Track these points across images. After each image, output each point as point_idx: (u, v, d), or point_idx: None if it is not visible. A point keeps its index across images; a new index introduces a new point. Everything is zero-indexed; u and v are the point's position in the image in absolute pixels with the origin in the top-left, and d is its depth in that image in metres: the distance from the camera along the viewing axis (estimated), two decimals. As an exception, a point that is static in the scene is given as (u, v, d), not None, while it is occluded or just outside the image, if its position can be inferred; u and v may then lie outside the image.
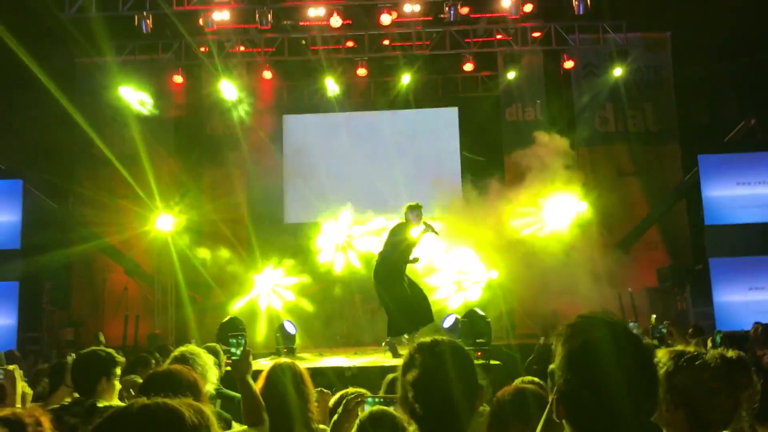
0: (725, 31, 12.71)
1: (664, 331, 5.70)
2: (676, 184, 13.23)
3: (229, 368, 3.90)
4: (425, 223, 8.99)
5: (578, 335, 1.70)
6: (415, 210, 8.99)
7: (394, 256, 8.98)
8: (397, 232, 9.05)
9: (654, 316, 8.56)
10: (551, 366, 2.94)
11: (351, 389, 3.68)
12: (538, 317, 11.73)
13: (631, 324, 6.13)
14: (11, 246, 12.16)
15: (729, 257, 11.78)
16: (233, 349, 3.34)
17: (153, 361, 6.27)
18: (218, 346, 5.35)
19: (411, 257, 9.14)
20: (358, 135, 14.40)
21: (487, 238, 12.65)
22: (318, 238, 12.99)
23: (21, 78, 11.16)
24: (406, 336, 9.17)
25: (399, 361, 2.09)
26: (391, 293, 8.99)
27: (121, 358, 3.90)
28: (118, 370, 3.85)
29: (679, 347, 2.49)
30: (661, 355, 2.35)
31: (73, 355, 4.14)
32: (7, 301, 12.08)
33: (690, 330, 8.35)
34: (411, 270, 9.64)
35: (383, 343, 9.46)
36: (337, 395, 3.74)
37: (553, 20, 13.25)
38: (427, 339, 2.09)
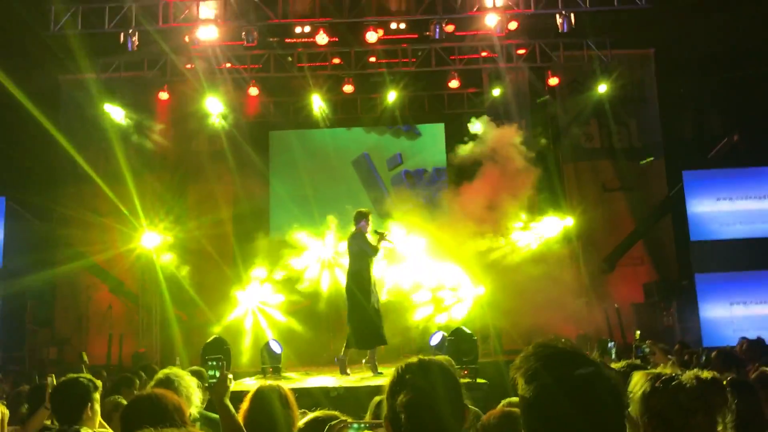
0: (708, 47, 12.85)
1: (647, 350, 5.70)
2: (661, 199, 13.32)
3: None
4: (376, 232, 8.94)
5: (541, 374, 1.65)
6: (366, 216, 8.95)
7: (361, 267, 8.90)
8: (353, 243, 8.97)
9: (638, 332, 8.56)
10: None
11: (320, 413, 3.60)
12: (525, 334, 11.70)
13: (610, 344, 6.13)
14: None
15: (715, 272, 11.83)
16: (210, 372, 3.34)
17: (137, 382, 6.20)
18: (203, 370, 5.30)
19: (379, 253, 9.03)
20: (345, 151, 14.41)
21: (473, 254, 12.65)
22: (303, 255, 12.96)
23: (3, 96, 11.09)
24: (364, 360, 9.07)
25: (386, 382, 2.03)
26: (354, 308, 8.91)
27: (99, 382, 3.85)
28: (98, 395, 3.79)
29: (658, 369, 2.50)
30: (638, 378, 2.39)
31: (53, 376, 4.06)
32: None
33: (676, 347, 8.37)
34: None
35: (363, 361, 9.38)
36: (308, 418, 3.64)
37: (537, 38, 13.33)
38: (415, 359, 2.02)
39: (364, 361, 9.36)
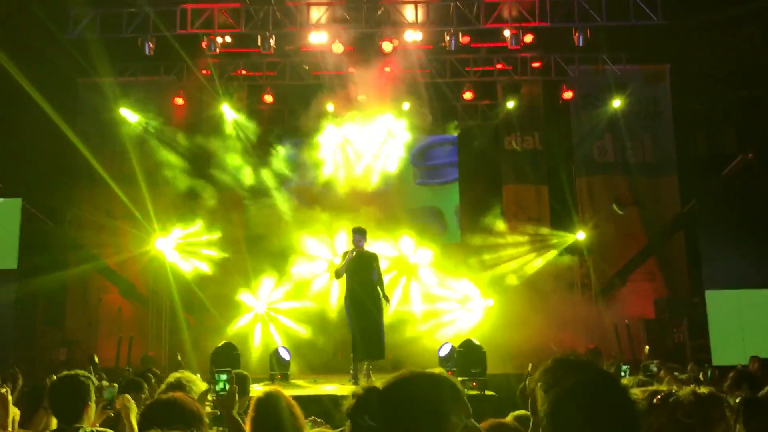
0: (725, 64, 12.83)
1: (654, 369, 5.64)
2: (673, 215, 13.25)
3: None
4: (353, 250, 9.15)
5: (560, 382, 1.69)
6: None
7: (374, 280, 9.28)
8: (371, 257, 9.34)
9: (647, 347, 8.54)
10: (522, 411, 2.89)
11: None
12: (535, 348, 11.65)
13: (624, 367, 6.08)
14: (8, 266, 12.15)
15: (726, 289, 11.74)
16: (219, 386, 3.33)
17: (146, 386, 6.20)
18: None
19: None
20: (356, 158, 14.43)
21: (483, 267, 12.66)
22: (314, 262, 13.02)
23: (21, 98, 11.21)
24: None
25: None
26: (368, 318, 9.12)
27: (96, 380, 3.82)
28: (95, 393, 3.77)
29: (654, 386, 2.48)
30: (636, 394, 2.35)
31: (54, 377, 4.02)
32: (2, 321, 12.03)
33: (690, 365, 8.29)
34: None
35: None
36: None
37: (552, 51, 13.36)
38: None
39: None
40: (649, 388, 2.46)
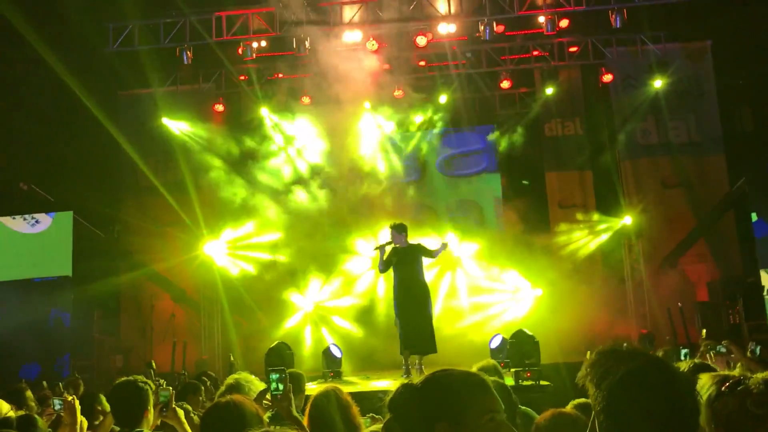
0: (767, 36, 12.47)
1: (723, 350, 5.50)
2: (722, 195, 12.95)
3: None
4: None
5: (610, 374, 1.67)
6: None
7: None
8: (421, 251, 9.34)
9: (704, 330, 8.35)
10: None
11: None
12: (587, 336, 11.53)
13: (684, 351, 5.96)
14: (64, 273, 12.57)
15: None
16: (273, 385, 3.37)
17: (203, 388, 6.29)
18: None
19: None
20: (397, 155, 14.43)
21: (530, 256, 12.55)
22: (356, 259, 13.09)
23: (68, 110, 11.51)
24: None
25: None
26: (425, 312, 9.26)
27: (153, 385, 3.91)
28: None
29: (724, 371, 2.41)
30: (705, 380, 2.29)
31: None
32: (61, 330, 12.44)
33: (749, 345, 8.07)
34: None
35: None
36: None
37: (589, 34, 13.15)
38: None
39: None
40: (719, 373, 2.38)
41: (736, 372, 2.33)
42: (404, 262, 9.16)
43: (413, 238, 9.59)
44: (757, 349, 6.03)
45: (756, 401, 2.15)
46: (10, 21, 10.14)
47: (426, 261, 9.41)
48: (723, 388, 2.21)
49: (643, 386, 1.62)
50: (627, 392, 1.62)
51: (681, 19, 12.43)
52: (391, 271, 9.32)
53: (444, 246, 9.34)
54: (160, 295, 13.80)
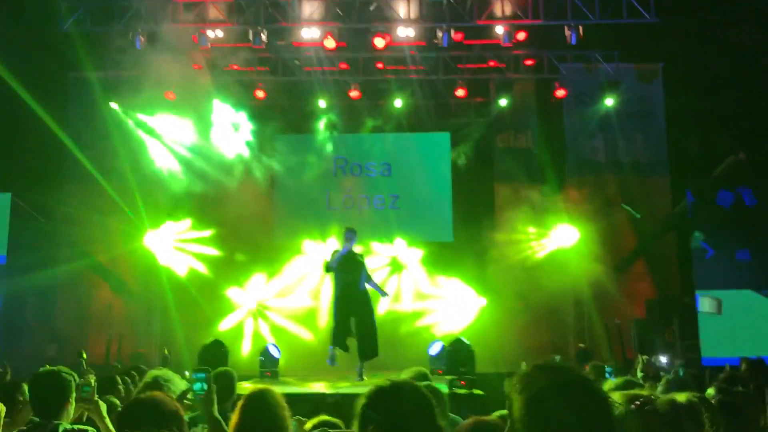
0: (717, 63, 12.78)
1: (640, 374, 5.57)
2: (664, 215, 13.25)
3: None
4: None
5: (533, 384, 1.69)
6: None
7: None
8: (361, 258, 9.46)
9: (645, 357, 8.44)
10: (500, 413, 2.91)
11: (325, 417, 3.62)
12: (528, 347, 11.66)
13: (607, 369, 6.05)
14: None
15: (717, 290, 11.79)
16: (197, 385, 3.31)
17: (121, 385, 6.07)
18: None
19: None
20: (351, 157, 14.38)
21: (476, 266, 12.64)
22: (304, 260, 12.99)
23: (10, 94, 11.13)
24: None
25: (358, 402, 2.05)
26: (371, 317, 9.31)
27: (76, 377, 3.80)
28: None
29: (634, 390, 2.45)
30: (617, 397, 2.32)
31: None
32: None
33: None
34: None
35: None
36: (313, 421, 3.67)
37: (545, 49, 13.31)
38: (387, 382, 2.06)
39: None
40: (630, 391, 2.42)
41: (645, 391, 2.37)
42: (349, 268, 9.17)
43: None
44: (681, 370, 6.18)
45: (663, 421, 2.24)
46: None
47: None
48: (632, 407, 2.25)
49: (560, 401, 1.63)
50: (543, 404, 1.64)
51: (634, 41, 12.66)
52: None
53: (383, 293, 9.54)
54: (99, 285, 13.50)
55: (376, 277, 12.51)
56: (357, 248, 9.50)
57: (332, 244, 12.43)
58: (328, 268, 9.26)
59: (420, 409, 1.98)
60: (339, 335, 9.15)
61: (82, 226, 12.90)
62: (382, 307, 12.69)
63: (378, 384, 2.06)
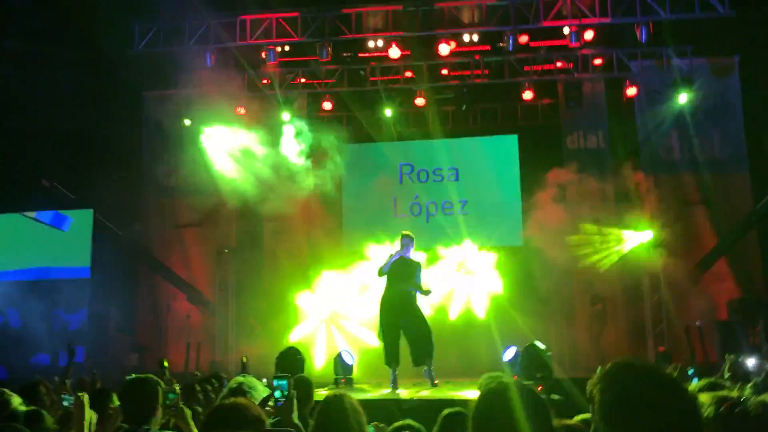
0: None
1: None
2: (745, 213, 12.74)
3: None
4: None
5: (617, 383, 1.68)
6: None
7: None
8: (417, 263, 9.34)
9: (733, 356, 8.11)
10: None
11: (409, 422, 3.64)
12: (605, 351, 11.40)
13: (690, 371, 5.87)
14: (83, 275, 12.66)
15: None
16: (277, 393, 3.36)
17: (200, 393, 6.21)
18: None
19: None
20: (417, 164, 14.40)
21: (549, 270, 12.42)
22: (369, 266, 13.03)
23: (88, 114, 11.62)
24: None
25: (459, 395, 2.08)
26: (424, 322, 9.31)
27: (164, 385, 3.92)
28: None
29: (724, 392, 2.37)
30: (704, 399, 2.24)
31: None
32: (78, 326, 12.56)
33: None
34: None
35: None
36: (396, 425, 3.69)
37: (614, 47, 13.03)
38: (494, 384, 2.08)
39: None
40: (718, 393, 2.34)
41: (735, 393, 2.29)
42: (401, 275, 9.08)
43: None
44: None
45: (753, 424, 2.14)
46: (44, 23, 10.30)
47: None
48: (721, 410, 2.17)
49: (646, 400, 1.61)
50: (629, 404, 1.63)
51: (708, 34, 12.26)
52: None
53: (426, 292, 9.25)
54: (176, 295, 13.87)
55: (447, 283, 12.56)
56: (414, 255, 9.41)
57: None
58: (381, 272, 9.25)
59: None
60: (389, 353, 9.13)
61: (158, 239, 13.33)
62: (453, 313, 12.74)
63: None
